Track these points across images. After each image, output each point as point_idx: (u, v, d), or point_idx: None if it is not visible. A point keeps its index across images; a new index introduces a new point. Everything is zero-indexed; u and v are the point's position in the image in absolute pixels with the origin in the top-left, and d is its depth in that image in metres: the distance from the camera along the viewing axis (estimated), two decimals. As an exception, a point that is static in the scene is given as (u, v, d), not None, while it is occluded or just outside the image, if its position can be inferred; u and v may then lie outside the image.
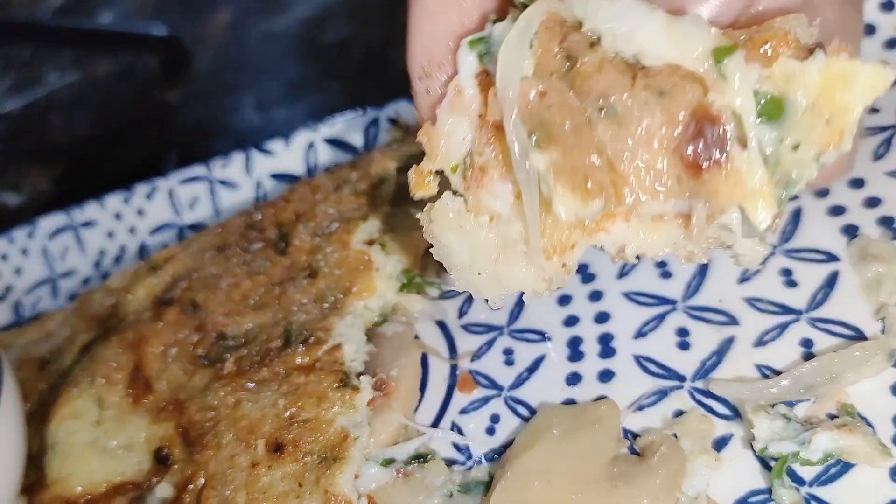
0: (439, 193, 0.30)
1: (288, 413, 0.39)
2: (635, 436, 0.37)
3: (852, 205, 0.40)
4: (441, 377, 0.43)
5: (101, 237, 0.60)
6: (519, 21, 0.27)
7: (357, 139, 0.55)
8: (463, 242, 0.29)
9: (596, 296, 0.43)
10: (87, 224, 0.60)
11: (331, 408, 0.39)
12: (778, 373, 0.36)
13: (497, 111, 0.27)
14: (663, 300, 0.41)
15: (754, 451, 0.35)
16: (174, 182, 0.59)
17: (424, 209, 0.30)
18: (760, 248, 0.27)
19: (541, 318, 0.43)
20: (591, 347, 0.41)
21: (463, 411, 0.41)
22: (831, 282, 0.38)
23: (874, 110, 0.42)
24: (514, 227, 0.29)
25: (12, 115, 0.86)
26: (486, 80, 0.28)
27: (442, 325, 0.45)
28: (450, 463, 0.40)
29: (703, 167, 0.24)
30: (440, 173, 0.30)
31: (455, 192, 0.29)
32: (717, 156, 0.24)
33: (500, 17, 0.29)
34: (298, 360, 0.41)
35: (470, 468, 0.39)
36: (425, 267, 0.46)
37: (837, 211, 0.40)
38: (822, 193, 0.41)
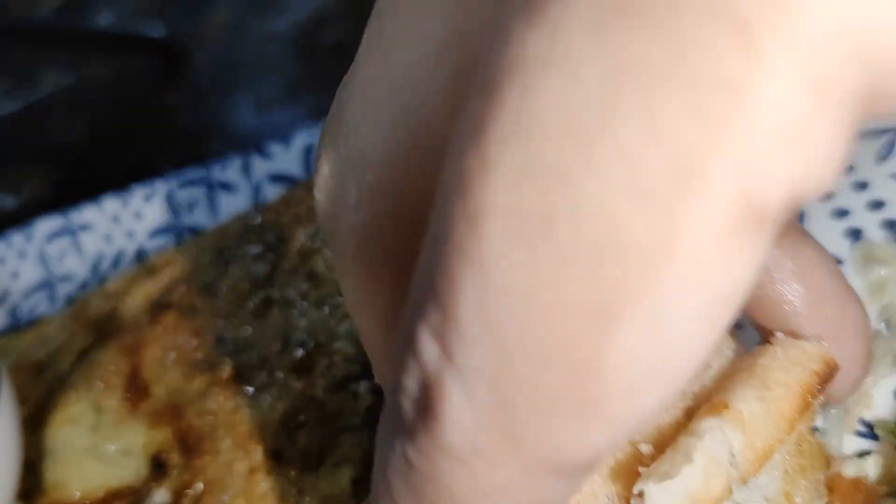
0: None
1: (286, 419, 0.39)
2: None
3: (856, 208, 0.40)
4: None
5: (98, 241, 0.59)
6: None
7: (356, 141, 0.55)
8: None
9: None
10: (85, 227, 0.60)
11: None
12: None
13: None
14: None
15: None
16: (173, 184, 0.58)
17: None
18: None
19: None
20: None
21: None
22: (835, 285, 0.38)
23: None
24: None
25: (9, 117, 0.86)
26: None
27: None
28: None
29: None
30: None
31: None
32: None
33: None
34: (297, 365, 0.41)
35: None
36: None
37: (841, 214, 0.40)
38: (826, 196, 0.41)
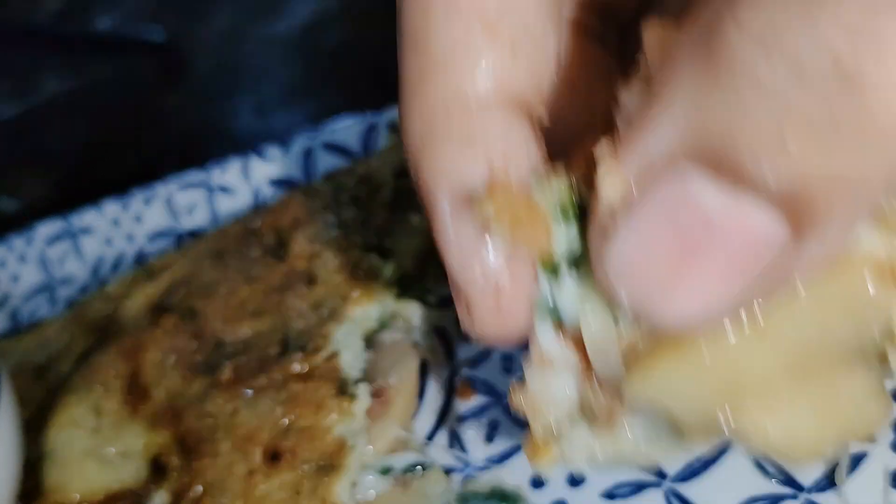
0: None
1: (285, 421, 0.39)
2: None
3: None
4: (440, 384, 0.43)
5: (99, 244, 0.60)
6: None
7: (356, 145, 0.55)
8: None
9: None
10: (85, 230, 0.60)
11: (328, 416, 0.39)
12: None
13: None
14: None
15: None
16: (173, 188, 0.59)
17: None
18: None
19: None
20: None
21: (461, 418, 0.41)
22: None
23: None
24: None
25: (9, 121, 0.86)
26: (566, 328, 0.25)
27: (441, 332, 0.45)
28: (448, 471, 0.39)
29: None
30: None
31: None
32: None
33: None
34: (296, 368, 0.41)
35: (469, 476, 0.39)
36: (424, 273, 0.46)
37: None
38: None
